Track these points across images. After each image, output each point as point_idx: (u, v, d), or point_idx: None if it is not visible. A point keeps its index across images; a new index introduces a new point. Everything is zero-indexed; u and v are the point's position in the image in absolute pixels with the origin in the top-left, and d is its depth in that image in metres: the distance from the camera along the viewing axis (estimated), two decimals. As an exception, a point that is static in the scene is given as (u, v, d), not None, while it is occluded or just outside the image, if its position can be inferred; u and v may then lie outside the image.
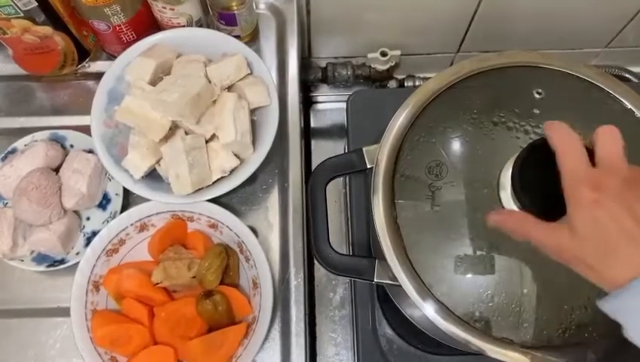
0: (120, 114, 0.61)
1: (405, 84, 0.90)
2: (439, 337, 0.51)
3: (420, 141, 0.49)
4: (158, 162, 0.63)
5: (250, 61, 0.64)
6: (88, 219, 0.67)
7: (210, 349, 0.59)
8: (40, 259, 0.65)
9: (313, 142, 0.91)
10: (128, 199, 0.67)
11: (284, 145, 0.70)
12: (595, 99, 0.50)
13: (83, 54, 0.72)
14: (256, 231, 0.66)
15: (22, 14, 0.62)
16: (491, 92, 0.50)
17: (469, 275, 0.44)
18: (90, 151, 0.66)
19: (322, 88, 0.94)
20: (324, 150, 0.90)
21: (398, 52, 0.85)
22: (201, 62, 0.63)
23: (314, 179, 0.52)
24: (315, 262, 0.63)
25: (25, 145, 0.67)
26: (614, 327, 0.33)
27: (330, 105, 0.95)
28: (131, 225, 0.64)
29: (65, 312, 0.61)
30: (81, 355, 0.59)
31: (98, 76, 0.66)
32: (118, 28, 0.66)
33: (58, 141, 0.68)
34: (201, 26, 0.70)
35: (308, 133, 0.92)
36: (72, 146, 0.69)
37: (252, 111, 0.64)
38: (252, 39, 0.74)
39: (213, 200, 0.62)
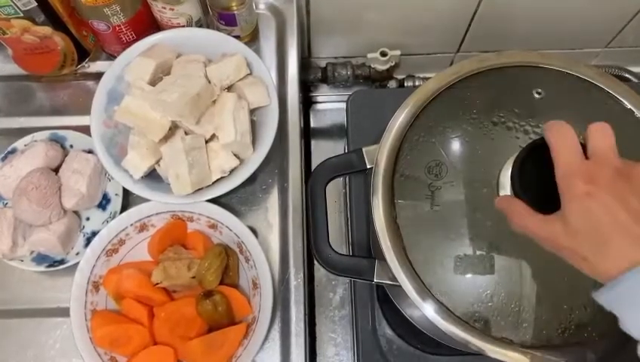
0: (120, 114, 0.61)
1: (405, 84, 0.90)
2: (439, 337, 0.51)
3: (419, 141, 0.49)
4: (157, 162, 0.63)
5: (249, 61, 0.64)
6: (88, 219, 0.67)
7: (210, 349, 0.59)
8: (40, 259, 0.65)
9: (313, 142, 0.91)
10: (128, 199, 0.67)
11: (283, 146, 0.70)
12: (595, 99, 0.50)
13: (83, 54, 0.72)
14: (255, 232, 0.66)
15: (21, 14, 0.62)
16: (491, 92, 0.50)
17: (469, 275, 0.45)
18: (90, 152, 0.66)
19: (322, 88, 0.94)
20: (324, 150, 0.90)
21: (398, 52, 0.85)
22: (200, 63, 0.63)
23: (314, 179, 0.52)
24: (315, 262, 0.63)
25: (25, 146, 0.67)
26: (614, 327, 0.33)
27: (330, 105, 0.95)
28: (131, 225, 0.64)
29: (65, 312, 0.61)
30: (81, 355, 0.59)
31: (98, 76, 0.66)
32: (117, 28, 0.66)
33: (58, 141, 0.68)
34: (200, 26, 0.70)
35: (308, 133, 0.92)
36: (71, 146, 0.69)
37: (252, 112, 0.64)
38: (252, 39, 0.74)
39: (213, 201, 0.62)
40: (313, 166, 0.86)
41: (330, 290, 0.81)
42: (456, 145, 0.48)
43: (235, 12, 0.67)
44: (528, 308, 0.44)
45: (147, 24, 0.69)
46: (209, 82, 0.62)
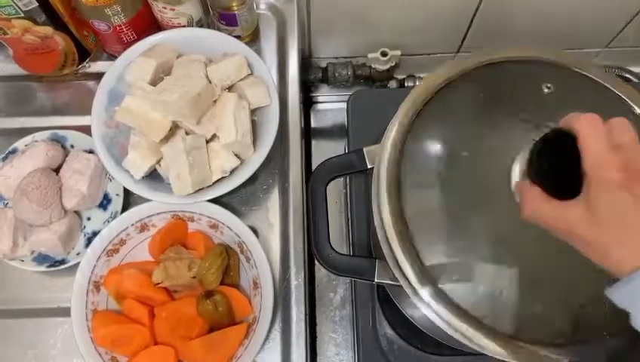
0: (120, 114, 0.61)
1: (406, 84, 0.90)
2: (440, 337, 0.51)
3: (421, 139, 0.48)
4: (158, 162, 0.63)
5: (250, 61, 0.64)
6: (89, 219, 0.67)
7: (211, 349, 0.59)
8: (40, 259, 0.65)
9: (313, 143, 0.91)
10: (129, 199, 0.67)
11: (284, 146, 0.70)
12: (605, 101, 0.49)
13: (83, 54, 0.72)
14: (256, 232, 0.66)
15: (22, 14, 0.62)
16: (496, 86, 0.49)
17: (470, 275, 0.44)
18: (91, 152, 0.66)
19: (322, 88, 0.94)
20: (324, 150, 0.90)
21: (398, 52, 0.85)
22: (201, 63, 0.63)
23: (314, 180, 0.52)
24: (316, 262, 0.63)
25: (25, 146, 0.67)
26: (624, 326, 0.33)
27: (331, 105, 0.95)
28: (132, 225, 0.64)
29: (65, 312, 0.61)
30: (82, 355, 0.59)
31: (98, 76, 0.66)
32: (118, 28, 0.66)
33: (58, 141, 0.68)
34: (201, 26, 0.70)
35: (308, 134, 0.92)
36: (72, 146, 0.69)
37: (252, 112, 0.64)
38: (252, 39, 0.74)
39: (214, 201, 0.62)
40: (314, 166, 0.86)
41: (330, 290, 0.81)
42: (459, 143, 0.47)
43: (236, 12, 0.67)
44: (533, 307, 0.43)
45: (148, 24, 0.69)
46: (210, 82, 0.62)
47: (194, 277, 0.61)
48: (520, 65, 0.51)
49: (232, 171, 0.62)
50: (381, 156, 0.48)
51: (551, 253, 0.38)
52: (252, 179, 0.64)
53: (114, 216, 0.65)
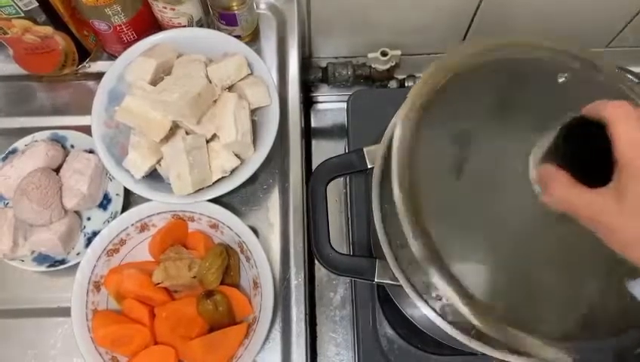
0: (120, 114, 0.61)
1: (406, 84, 0.90)
2: (440, 337, 0.51)
3: (422, 138, 0.48)
4: (158, 162, 0.63)
5: (250, 61, 0.64)
6: (89, 219, 0.67)
7: (211, 349, 0.59)
8: (40, 259, 0.65)
9: (314, 142, 0.91)
10: (129, 199, 0.67)
11: (284, 146, 0.70)
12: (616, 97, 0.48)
13: (83, 54, 0.72)
14: (256, 231, 0.66)
15: (23, 14, 0.62)
16: (505, 77, 0.47)
17: (471, 274, 0.44)
18: (91, 152, 0.66)
19: (323, 88, 0.94)
20: (324, 150, 0.90)
21: (398, 52, 0.85)
22: (201, 62, 0.63)
23: (314, 179, 0.52)
24: (316, 262, 0.63)
25: (25, 145, 0.67)
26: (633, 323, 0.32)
27: (331, 105, 0.95)
28: (132, 225, 0.64)
29: (65, 312, 0.61)
30: (82, 355, 0.59)
31: (99, 76, 0.66)
32: (118, 28, 0.66)
33: (59, 141, 0.68)
34: (201, 26, 0.70)
35: (308, 133, 0.92)
36: (72, 146, 0.69)
37: (253, 112, 0.64)
38: (252, 39, 0.74)
39: (214, 201, 0.62)
40: (314, 166, 0.86)
41: (330, 290, 0.81)
42: (463, 142, 0.46)
43: (236, 12, 0.67)
44: (531, 308, 0.43)
45: (148, 24, 0.69)
46: (210, 82, 0.62)
47: (194, 277, 0.61)
48: (532, 54, 0.48)
49: (232, 171, 0.63)
50: (381, 156, 0.48)
51: (544, 258, 0.37)
52: (252, 179, 0.64)
53: (114, 216, 0.65)
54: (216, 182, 0.62)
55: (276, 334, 0.63)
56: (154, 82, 0.62)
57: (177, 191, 0.60)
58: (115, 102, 0.63)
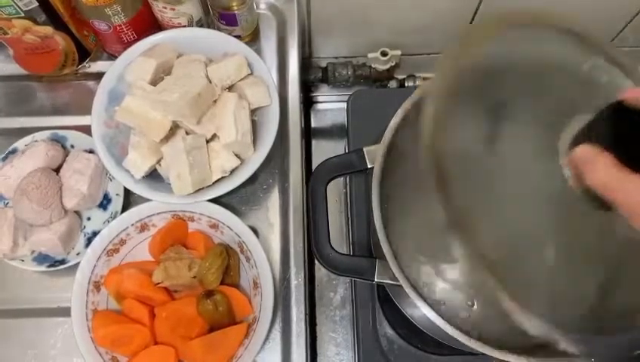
0: (120, 114, 0.61)
1: (406, 84, 0.90)
2: (440, 337, 0.51)
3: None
4: (158, 162, 0.63)
5: (250, 61, 0.64)
6: (89, 219, 0.67)
7: (211, 349, 0.59)
8: (41, 259, 0.65)
9: (314, 142, 0.92)
10: (129, 199, 0.67)
11: (284, 145, 0.70)
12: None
13: (83, 54, 0.72)
14: (256, 231, 0.66)
15: (23, 14, 0.62)
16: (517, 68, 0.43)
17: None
18: (91, 152, 0.66)
19: (323, 88, 0.94)
20: (324, 150, 0.91)
21: (398, 52, 0.85)
22: (201, 62, 0.63)
23: (314, 179, 0.52)
24: (316, 261, 0.63)
25: (25, 145, 0.67)
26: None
27: (331, 105, 0.95)
28: (132, 225, 0.64)
29: (65, 312, 0.61)
30: (82, 355, 0.59)
31: (99, 76, 0.66)
32: (118, 28, 0.66)
33: (59, 141, 0.68)
34: (201, 26, 0.70)
35: (308, 133, 0.92)
36: (72, 146, 0.69)
37: (252, 112, 0.64)
38: (252, 39, 0.74)
39: (214, 201, 0.62)
40: (314, 166, 0.86)
41: (330, 290, 0.81)
42: (466, 141, 0.46)
43: (236, 12, 0.67)
44: (545, 293, 0.42)
45: (148, 24, 0.69)
46: (210, 82, 0.62)
47: (194, 277, 0.61)
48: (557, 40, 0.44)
49: (232, 171, 0.63)
50: (381, 155, 0.48)
51: (559, 250, 0.37)
52: (252, 179, 0.64)
53: (114, 216, 0.65)
54: (216, 182, 0.62)
55: (276, 334, 0.63)
56: (154, 82, 0.62)
57: (177, 191, 0.60)
58: (115, 102, 0.63)
